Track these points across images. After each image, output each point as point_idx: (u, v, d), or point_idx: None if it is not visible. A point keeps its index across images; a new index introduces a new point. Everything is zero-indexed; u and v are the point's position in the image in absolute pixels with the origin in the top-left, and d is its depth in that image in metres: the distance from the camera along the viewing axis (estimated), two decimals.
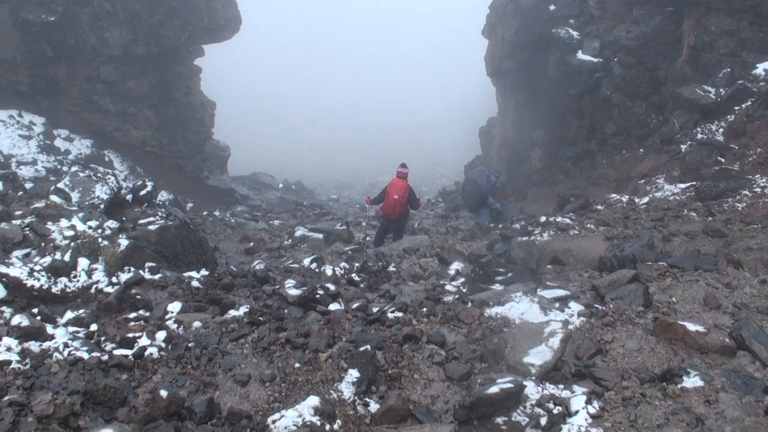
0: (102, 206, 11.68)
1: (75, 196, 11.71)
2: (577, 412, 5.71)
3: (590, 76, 25.65)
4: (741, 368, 6.45)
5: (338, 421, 6.13)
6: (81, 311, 8.54)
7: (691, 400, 5.70)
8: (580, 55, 26.13)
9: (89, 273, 9.44)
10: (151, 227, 11.30)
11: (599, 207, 16.81)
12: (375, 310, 9.07)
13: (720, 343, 6.80)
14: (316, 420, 5.98)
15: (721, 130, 18.41)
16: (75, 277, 9.26)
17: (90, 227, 10.40)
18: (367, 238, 18.81)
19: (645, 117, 24.03)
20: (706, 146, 17.81)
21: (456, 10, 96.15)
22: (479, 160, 33.74)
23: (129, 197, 12.55)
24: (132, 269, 9.94)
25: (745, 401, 5.60)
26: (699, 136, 18.66)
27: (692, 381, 5.94)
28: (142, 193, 12.85)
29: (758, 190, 14.35)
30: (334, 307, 9.28)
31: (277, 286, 10.02)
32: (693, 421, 5.35)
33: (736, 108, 18.61)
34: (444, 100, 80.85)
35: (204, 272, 11.01)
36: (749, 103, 18.26)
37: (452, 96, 78.52)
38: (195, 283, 10.19)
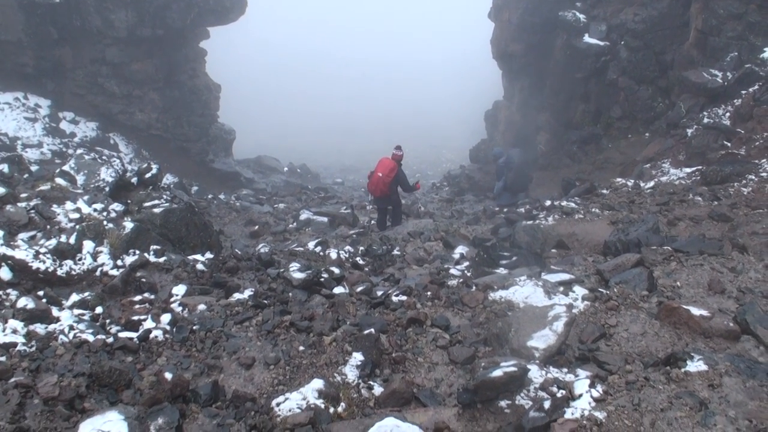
0: (107, 189, 11.72)
1: (80, 179, 11.76)
2: (580, 395, 5.72)
3: (597, 59, 25.51)
4: (745, 352, 6.46)
5: (342, 403, 6.16)
6: (86, 294, 8.58)
7: (694, 384, 5.70)
8: (586, 38, 25.97)
9: (94, 256, 9.47)
10: (156, 210, 11.32)
11: (604, 191, 16.79)
12: (379, 293, 9.10)
13: (724, 328, 6.79)
14: (320, 403, 6.00)
15: (728, 114, 18.33)
16: (80, 259, 9.28)
17: (95, 210, 10.42)
18: (372, 222, 18.81)
19: (651, 101, 23.92)
20: (713, 130, 17.74)
21: None
22: (484, 144, 33.62)
23: (134, 180, 12.57)
24: (137, 252, 9.96)
25: (749, 385, 5.60)
26: (705, 120, 18.57)
27: (696, 365, 5.94)
28: (147, 176, 12.86)
29: (764, 174, 14.30)
30: (338, 290, 9.30)
31: (282, 270, 10.03)
32: (696, 405, 5.35)
33: (743, 92, 18.50)
34: (449, 84, 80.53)
35: (209, 255, 11.03)
36: (756, 87, 18.15)
37: (458, 79, 78.19)
38: (200, 266, 10.22)
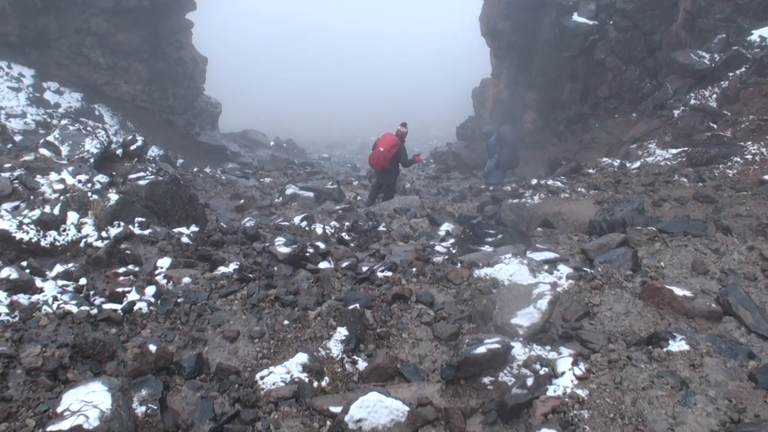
0: (92, 160, 11.62)
1: (65, 150, 11.65)
2: (563, 373, 5.76)
3: (585, 38, 25.47)
4: (727, 333, 6.51)
5: (326, 378, 6.18)
6: (70, 265, 8.54)
7: (676, 363, 5.75)
8: (575, 17, 25.91)
9: (78, 227, 9.41)
10: (141, 182, 11.25)
11: (590, 171, 16.84)
12: (364, 269, 9.10)
13: (707, 308, 6.84)
14: (304, 377, 6.02)
15: (715, 96, 18.37)
16: (64, 230, 9.23)
17: (79, 181, 10.35)
18: (358, 198, 18.80)
19: (639, 81, 23.94)
20: (699, 112, 17.77)
21: None
22: (472, 122, 33.58)
23: (119, 152, 12.49)
24: (121, 224, 9.91)
25: (730, 366, 5.66)
26: (692, 101, 18.62)
27: (678, 345, 5.99)
28: (132, 147, 12.78)
29: (749, 157, 14.36)
30: (323, 265, 9.29)
31: (267, 244, 10.01)
32: (677, 385, 5.41)
33: (730, 74, 18.54)
34: (437, 61, 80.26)
35: (194, 228, 11.00)
36: (743, 69, 18.18)
37: (446, 56, 77.96)
38: (185, 239, 10.19)
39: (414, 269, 8.96)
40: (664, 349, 5.96)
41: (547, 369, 5.91)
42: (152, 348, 6.14)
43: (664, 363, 5.78)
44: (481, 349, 5.89)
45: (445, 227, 12.49)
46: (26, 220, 8.91)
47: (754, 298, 7.08)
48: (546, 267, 8.24)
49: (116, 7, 27.42)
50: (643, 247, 9.36)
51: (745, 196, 12.19)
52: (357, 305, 7.31)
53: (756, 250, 8.90)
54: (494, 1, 30.44)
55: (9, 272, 7.65)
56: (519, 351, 6.18)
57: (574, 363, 5.87)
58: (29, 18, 25.90)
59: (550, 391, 5.55)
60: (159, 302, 7.69)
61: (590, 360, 5.98)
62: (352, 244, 11.18)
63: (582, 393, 5.46)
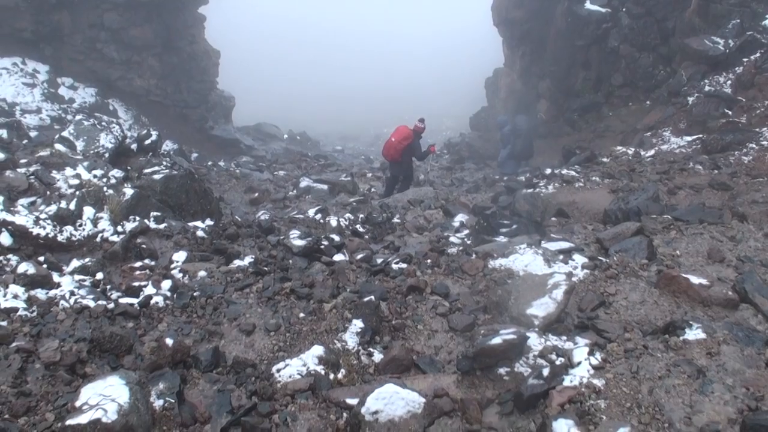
0: (107, 155, 11.66)
1: (80, 145, 11.69)
2: (579, 363, 5.76)
3: (598, 26, 25.31)
4: (743, 321, 6.48)
5: (342, 370, 6.20)
6: (87, 260, 8.59)
7: (692, 352, 5.73)
8: (588, 4, 25.74)
9: (95, 222, 9.46)
10: (156, 177, 11.29)
11: (605, 159, 16.76)
12: (379, 261, 9.11)
13: (723, 296, 6.81)
14: (320, 369, 6.04)
15: (729, 82, 18.24)
16: (80, 225, 9.27)
17: (95, 176, 10.39)
18: (372, 190, 18.80)
19: (652, 69, 23.78)
20: (714, 98, 17.66)
21: None
22: (485, 112, 33.50)
23: (134, 146, 12.53)
24: (137, 218, 9.96)
25: (747, 353, 5.64)
26: (707, 88, 18.49)
27: (694, 333, 5.97)
28: (147, 142, 12.82)
29: (765, 143, 14.26)
30: (338, 257, 9.31)
31: (282, 237, 10.05)
32: (694, 373, 5.39)
33: (745, 60, 18.40)
34: (450, 50, 79.99)
35: (209, 222, 11.03)
36: (758, 54, 18.04)
37: (459, 46, 77.68)
38: (200, 233, 10.22)
39: (429, 261, 8.97)
40: (681, 338, 5.94)
41: (563, 359, 5.91)
42: (169, 342, 6.18)
43: (681, 352, 5.76)
44: (496, 340, 5.89)
45: (460, 218, 12.48)
46: (43, 216, 8.96)
47: None
48: (561, 257, 8.23)
49: (129, 2, 27.45)
50: (659, 235, 9.33)
51: (761, 182, 12.11)
52: (372, 297, 7.32)
53: None
54: None
55: (26, 267, 7.70)
56: (535, 341, 6.18)
57: (590, 353, 5.86)
58: (43, 13, 25.98)
59: (567, 381, 5.54)
60: (175, 296, 7.73)
61: (606, 349, 5.97)
62: (366, 236, 11.19)
63: (598, 383, 5.46)
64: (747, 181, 12.38)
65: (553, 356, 5.96)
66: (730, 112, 16.95)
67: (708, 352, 5.69)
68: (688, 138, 16.92)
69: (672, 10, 23.33)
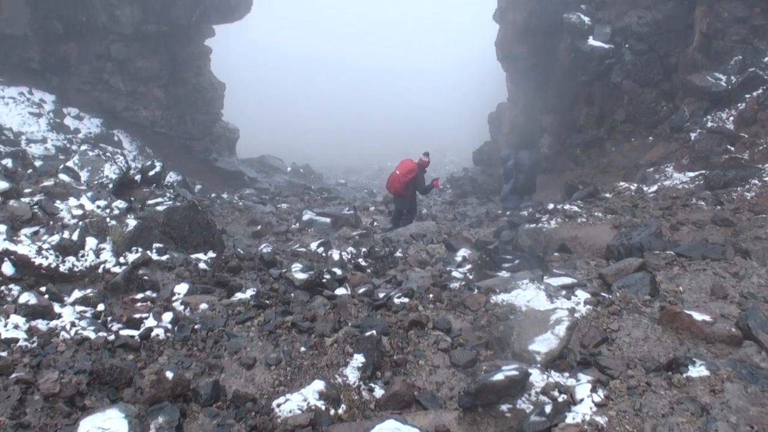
0: (110, 186, 11.70)
1: (84, 175, 11.74)
2: (582, 400, 5.72)
3: (601, 62, 25.46)
4: (747, 358, 6.44)
5: (343, 405, 6.16)
6: (88, 291, 8.58)
7: (696, 389, 5.69)
8: (591, 41, 25.91)
9: (97, 252, 9.47)
10: (159, 208, 11.31)
11: (607, 195, 16.77)
12: (381, 295, 9.10)
13: (726, 333, 6.78)
14: (321, 404, 6.00)
15: (732, 118, 18.30)
16: (83, 256, 9.28)
17: (98, 207, 10.42)
18: (374, 224, 18.82)
19: (655, 104, 23.86)
20: (716, 134, 17.71)
21: None
22: (488, 147, 33.61)
23: (137, 177, 12.57)
24: (139, 250, 9.96)
25: (751, 391, 5.60)
26: (709, 124, 18.55)
27: (698, 370, 5.94)
28: (151, 173, 12.86)
29: (767, 179, 14.29)
30: (340, 291, 9.30)
31: (284, 270, 10.04)
32: (698, 411, 5.35)
33: (747, 96, 18.47)
34: (454, 85, 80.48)
35: (211, 254, 11.03)
36: (761, 91, 18.12)
37: (462, 81, 78.15)
38: (202, 265, 10.21)
39: (431, 295, 8.95)
40: (684, 375, 5.91)
41: (565, 396, 5.87)
42: (169, 375, 6.14)
43: (684, 389, 5.73)
44: (498, 376, 5.86)
45: (462, 253, 12.48)
46: (45, 246, 8.97)
47: None
48: (563, 292, 8.21)
49: (136, 34, 27.73)
50: (662, 271, 9.30)
51: (764, 218, 12.09)
52: (374, 332, 7.30)
53: None
54: (510, 25, 30.54)
55: (28, 298, 7.70)
56: (537, 378, 6.14)
57: (593, 389, 5.82)
58: (50, 44, 26.24)
59: (569, 419, 5.50)
60: (176, 328, 7.70)
61: (609, 386, 5.93)
62: (368, 270, 11.19)
63: (601, 420, 5.41)
64: (750, 217, 12.37)
65: (556, 393, 5.92)
66: (732, 148, 16.98)
67: (711, 390, 5.65)
68: (691, 174, 16.94)
69: (674, 46, 23.48)
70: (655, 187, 16.57)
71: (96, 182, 11.58)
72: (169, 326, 7.73)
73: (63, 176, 11.39)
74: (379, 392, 6.47)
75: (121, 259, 9.63)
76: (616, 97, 25.23)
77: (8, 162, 12.72)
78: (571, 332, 6.86)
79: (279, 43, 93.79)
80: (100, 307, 8.28)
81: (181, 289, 9.04)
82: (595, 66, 25.56)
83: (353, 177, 46.36)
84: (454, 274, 10.62)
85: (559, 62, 27.49)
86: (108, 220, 10.14)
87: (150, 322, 7.81)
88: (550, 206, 16.38)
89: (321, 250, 12.43)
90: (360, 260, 11.76)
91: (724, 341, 6.76)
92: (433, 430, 5.60)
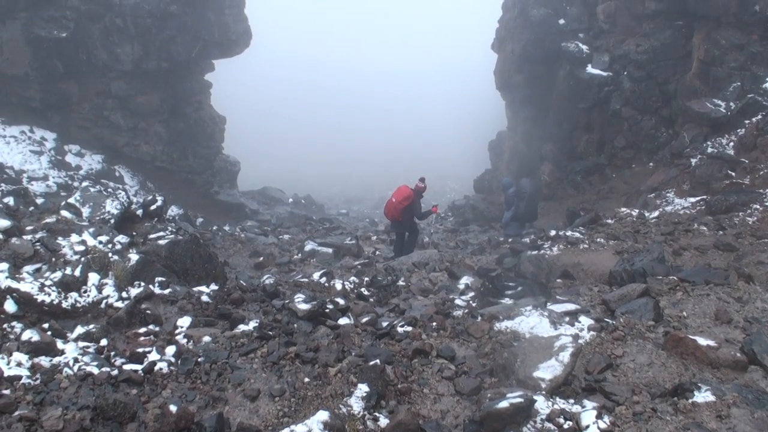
0: (112, 221, 11.72)
1: (86, 212, 11.76)
2: (587, 427, 5.69)
3: (600, 89, 25.60)
4: (753, 383, 6.42)
5: None
6: (91, 326, 8.57)
7: (702, 415, 5.67)
8: (589, 69, 26.08)
9: (99, 288, 9.47)
10: (161, 242, 11.33)
11: (609, 221, 16.78)
12: (384, 324, 9.08)
13: (731, 358, 6.76)
14: None
15: (732, 143, 18.37)
16: (85, 292, 9.28)
17: (100, 242, 10.43)
18: (377, 253, 18.82)
19: (655, 131, 23.96)
20: (717, 160, 17.77)
21: (465, 24, 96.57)
22: (489, 174, 33.71)
23: (139, 212, 12.59)
24: (142, 284, 9.96)
25: (757, 416, 5.58)
26: (709, 149, 18.62)
27: (703, 396, 5.92)
28: (152, 207, 12.88)
29: None
30: (343, 321, 9.29)
31: (287, 301, 10.03)
32: None
33: (747, 122, 18.57)
34: (453, 114, 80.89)
35: (214, 287, 11.02)
36: (760, 116, 18.22)
37: (461, 110, 78.55)
38: (205, 298, 10.21)
39: (434, 323, 8.93)
40: (690, 401, 5.88)
41: (571, 423, 5.84)
42: (173, 408, 6.12)
43: (690, 414, 5.70)
44: (503, 404, 5.84)
45: (465, 280, 12.48)
46: (48, 282, 8.98)
47: None
48: (567, 319, 8.19)
49: (136, 70, 27.90)
50: (665, 296, 9.29)
51: (767, 243, 12.11)
52: (377, 361, 7.27)
53: None
54: (508, 55, 30.75)
55: (31, 335, 7.69)
56: (542, 405, 6.11)
57: (599, 416, 5.80)
58: (51, 83, 26.39)
59: None
60: (179, 362, 7.68)
61: (615, 413, 5.91)
62: (371, 300, 11.18)
63: None
64: (752, 241, 12.38)
65: (561, 420, 5.90)
66: (733, 174, 17.03)
67: (718, 415, 5.62)
68: (692, 199, 16.97)
69: (673, 73, 23.62)
70: (656, 213, 16.59)
71: (98, 218, 11.61)
72: (173, 360, 7.71)
73: (65, 213, 11.42)
74: (384, 421, 6.44)
75: (124, 294, 9.63)
76: (615, 123, 25.34)
77: (10, 200, 12.77)
78: (576, 358, 6.84)
79: (277, 75, 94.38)
80: (103, 342, 8.27)
81: (184, 322, 9.03)
82: (594, 93, 25.69)
83: (355, 206, 46.43)
84: (457, 301, 10.61)
85: (558, 90, 27.63)
86: (110, 255, 10.16)
87: (153, 356, 7.78)
88: (552, 233, 16.39)
89: (323, 280, 12.43)
90: (363, 289, 11.75)
91: (729, 366, 6.73)
92: None
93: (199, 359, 7.77)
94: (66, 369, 7.18)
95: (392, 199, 17.07)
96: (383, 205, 18.89)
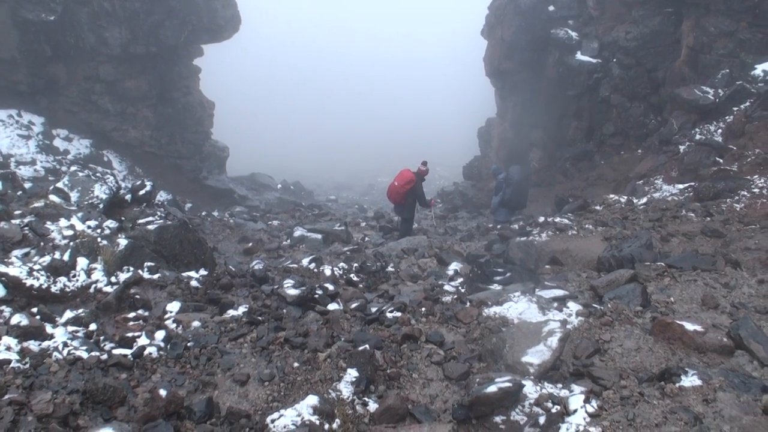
0: (101, 206, 11.68)
1: (74, 196, 11.71)
2: (575, 411, 5.73)
3: (589, 76, 25.65)
4: (739, 367, 6.47)
5: (337, 420, 6.15)
6: (80, 311, 8.56)
7: (689, 399, 5.71)
8: (579, 55, 26.13)
9: (88, 272, 9.45)
10: (150, 227, 11.29)
11: (598, 207, 16.83)
12: (374, 310, 9.10)
13: (718, 343, 6.81)
14: (315, 419, 5.99)
15: (720, 130, 18.43)
16: (74, 276, 9.26)
17: (89, 227, 10.40)
18: (366, 239, 18.83)
19: (643, 118, 24.03)
20: (705, 147, 17.83)
21: (454, 10, 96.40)
22: (478, 161, 33.72)
23: (128, 197, 12.55)
24: (131, 269, 9.94)
25: (743, 400, 5.62)
26: (697, 136, 18.68)
27: (690, 380, 5.96)
28: (141, 192, 12.84)
29: (756, 190, 14.37)
30: (332, 306, 9.29)
31: (276, 286, 10.03)
32: (691, 420, 5.37)
33: (735, 109, 18.63)
34: (443, 101, 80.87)
35: (203, 272, 11.01)
36: (748, 103, 18.29)
37: (451, 96, 78.55)
38: (194, 283, 10.20)
39: (423, 309, 8.96)
40: (677, 385, 5.93)
41: (559, 407, 5.88)
42: (162, 393, 6.13)
43: (677, 398, 5.74)
44: (492, 388, 5.87)
45: (454, 266, 12.50)
46: (36, 267, 8.95)
47: (766, 332, 7.04)
48: (555, 304, 8.23)
49: (124, 54, 27.72)
50: (653, 282, 9.34)
51: (754, 229, 12.17)
52: (367, 346, 7.29)
53: (766, 283, 8.88)
54: (498, 41, 30.71)
55: (19, 319, 7.66)
56: (530, 389, 6.15)
57: (586, 400, 5.84)
58: (39, 66, 26.20)
59: (563, 429, 5.51)
60: (169, 346, 7.68)
61: (602, 397, 5.95)
62: (360, 285, 11.19)
63: (595, 430, 5.43)
64: (739, 228, 12.44)
65: (549, 404, 5.94)
66: (721, 160, 17.10)
67: (704, 399, 5.67)
68: (680, 186, 17.04)
69: (662, 60, 23.68)
70: (644, 199, 16.64)
71: (86, 203, 11.56)
72: (162, 344, 7.71)
73: (53, 197, 11.38)
74: (373, 406, 6.46)
75: (113, 279, 9.61)
76: (604, 110, 25.41)
77: None
78: (564, 344, 6.88)
79: (266, 60, 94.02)
80: (93, 326, 8.25)
81: (173, 307, 9.03)
82: (584, 80, 25.75)
83: (344, 193, 46.37)
84: (446, 287, 10.63)
85: (547, 77, 27.66)
86: (99, 240, 10.13)
87: (143, 340, 7.78)
88: (541, 219, 16.43)
89: (313, 265, 12.42)
90: (352, 275, 11.76)
91: (715, 351, 6.78)
92: None
93: (189, 344, 7.77)
94: (55, 353, 7.17)
95: (394, 183, 17.38)
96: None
